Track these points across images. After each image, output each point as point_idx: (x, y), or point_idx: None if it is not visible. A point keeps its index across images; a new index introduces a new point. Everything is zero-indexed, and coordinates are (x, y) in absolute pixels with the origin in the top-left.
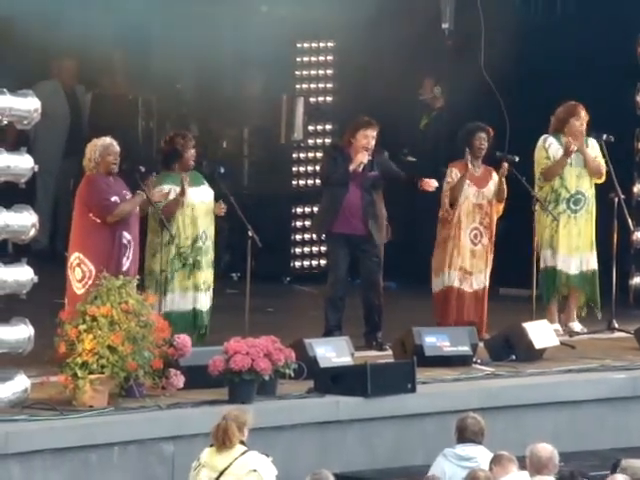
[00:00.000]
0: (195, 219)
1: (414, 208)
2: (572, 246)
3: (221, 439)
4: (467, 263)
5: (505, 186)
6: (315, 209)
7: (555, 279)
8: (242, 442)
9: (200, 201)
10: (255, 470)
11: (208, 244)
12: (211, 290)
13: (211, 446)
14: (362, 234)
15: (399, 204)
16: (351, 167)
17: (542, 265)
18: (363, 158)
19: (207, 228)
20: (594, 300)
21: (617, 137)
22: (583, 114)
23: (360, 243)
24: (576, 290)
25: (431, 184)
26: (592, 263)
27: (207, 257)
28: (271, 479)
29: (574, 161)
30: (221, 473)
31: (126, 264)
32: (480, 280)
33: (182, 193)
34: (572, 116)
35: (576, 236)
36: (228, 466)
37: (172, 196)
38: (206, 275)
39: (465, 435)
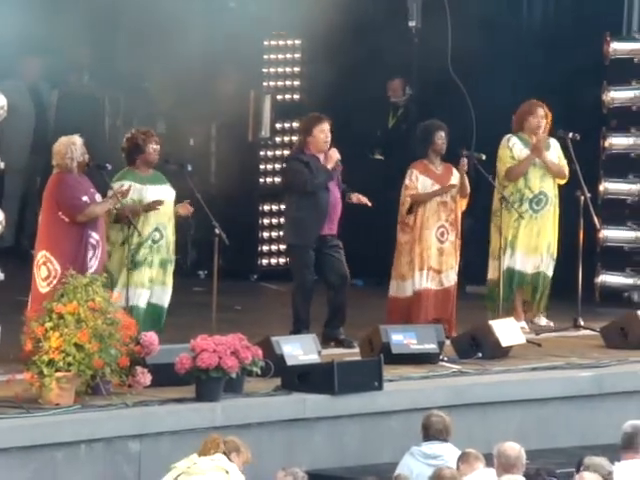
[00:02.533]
0: (148, 217)
1: (381, 205)
2: (531, 246)
3: (203, 447)
4: (435, 261)
5: (467, 181)
6: (282, 207)
7: (513, 280)
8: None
9: (157, 199)
10: (227, 471)
11: (162, 243)
12: (165, 289)
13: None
14: (334, 233)
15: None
16: (330, 166)
17: (504, 266)
18: (336, 155)
19: (164, 227)
20: (540, 300)
21: (583, 135)
22: (541, 112)
23: (330, 240)
24: (529, 289)
25: (361, 199)
26: (547, 265)
27: (159, 256)
28: None
29: (538, 161)
30: (195, 463)
31: (94, 264)
32: (450, 277)
33: (146, 209)
34: (530, 114)
35: (535, 236)
36: (202, 460)
37: (132, 192)
38: (157, 274)
39: (430, 433)
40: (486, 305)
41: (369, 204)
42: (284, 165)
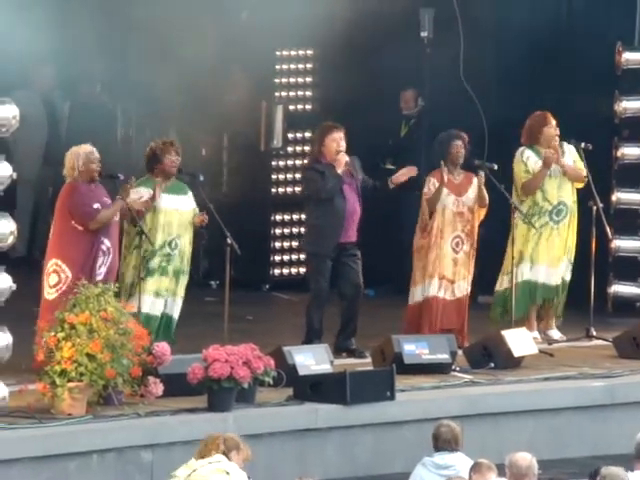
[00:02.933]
0: (165, 226)
1: (393, 216)
2: (554, 257)
3: (202, 447)
4: (449, 271)
5: (485, 192)
6: (295, 217)
7: (535, 293)
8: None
9: (175, 209)
10: (227, 473)
11: (176, 252)
12: (177, 299)
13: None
14: (353, 240)
15: (379, 211)
16: (339, 170)
17: (518, 279)
18: (344, 158)
19: (179, 237)
20: (557, 307)
21: (595, 145)
22: (554, 122)
23: (350, 249)
24: (552, 299)
25: (406, 172)
26: (564, 272)
27: (174, 265)
28: None
29: (553, 172)
30: (194, 470)
31: (103, 272)
32: (462, 288)
33: (153, 198)
34: (544, 125)
35: (558, 247)
36: (202, 466)
37: (145, 196)
38: (169, 283)
39: (440, 444)
40: (490, 316)
41: (415, 170)
42: (302, 174)
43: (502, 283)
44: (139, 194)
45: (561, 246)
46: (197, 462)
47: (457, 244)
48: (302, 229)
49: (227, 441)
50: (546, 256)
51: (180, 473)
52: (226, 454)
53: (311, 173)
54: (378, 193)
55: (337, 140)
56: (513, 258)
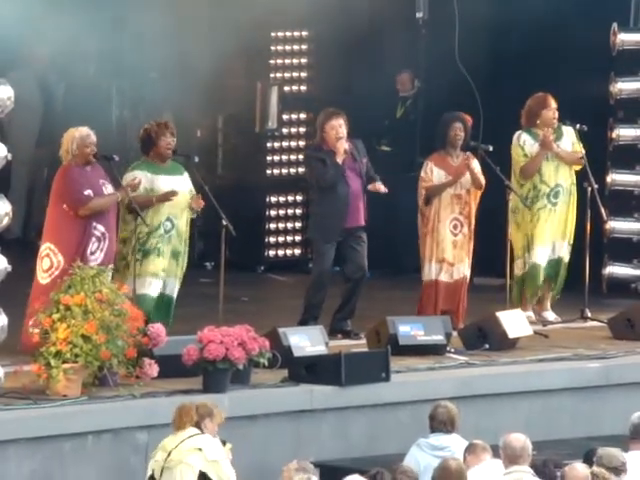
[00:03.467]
0: (161, 207)
1: (391, 198)
2: (548, 237)
3: (174, 418)
4: (449, 254)
5: (481, 174)
6: (290, 198)
7: (538, 275)
8: (199, 429)
9: (169, 189)
10: (200, 449)
11: (173, 233)
12: (175, 280)
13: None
14: (361, 224)
15: (374, 194)
16: (339, 159)
17: (525, 267)
18: (342, 146)
19: (175, 217)
20: (554, 287)
21: (590, 127)
22: (554, 104)
23: (355, 231)
24: (547, 280)
25: (378, 189)
26: (561, 251)
27: (170, 246)
28: (217, 459)
29: (550, 154)
30: (169, 453)
31: (99, 257)
32: (461, 270)
33: (160, 199)
34: (543, 108)
35: (554, 228)
36: (176, 446)
37: (142, 183)
38: (167, 264)
39: (436, 424)
40: (512, 301)
41: (383, 190)
42: (304, 160)
43: (518, 267)
44: (134, 178)
45: (554, 225)
46: (170, 443)
47: (455, 226)
48: (297, 211)
49: (199, 409)
50: (541, 237)
51: (159, 457)
52: (200, 423)
53: (312, 160)
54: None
55: (336, 127)
56: (512, 244)
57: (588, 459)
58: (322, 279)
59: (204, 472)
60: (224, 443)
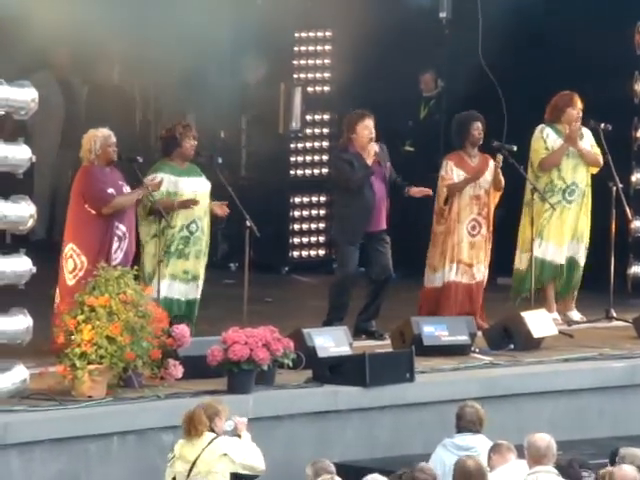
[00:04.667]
0: (184, 209)
1: (416, 199)
2: (563, 236)
3: (187, 427)
4: (466, 255)
5: (501, 176)
6: (314, 199)
7: (543, 271)
8: (212, 430)
9: (192, 191)
10: (225, 454)
11: (198, 235)
12: (199, 281)
13: (184, 438)
14: (383, 228)
15: (399, 194)
16: (369, 161)
17: (530, 261)
18: (373, 148)
19: (199, 219)
20: (569, 288)
21: (615, 126)
22: (579, 104)
23: (379, 235)
24: (558, 278)
25: (423, 192)
26: (577, 254)
27: (195, 247)
28: (244, 459)
29: (571, 152)
30: (194, 463)
31: (119, 256)
32: (481, 271)
33: (181, 206)
34: (569, 106)
35: (567, 226)
36: (198, 456)
37: (165, 184)
38: (192, 265)
39: (463, 424)
40: (510, 295)
41: (430, 193)
42: (331, 161)
43: (521, 261)
44: (154, 177)
45: (566, 226)
46: (189, 452)
47: (473, 227)
48: (321, 211)
49: (207, 411)
50: (555, 235)
51: (180, 467)
52: (211, 425)
53: (339, 162)
54: (395, 190)
55: (369, 127)
56: (532, 240)
57: (612, 460)
58: (346, 282)
59: (235, 473)
60: (238, 437)
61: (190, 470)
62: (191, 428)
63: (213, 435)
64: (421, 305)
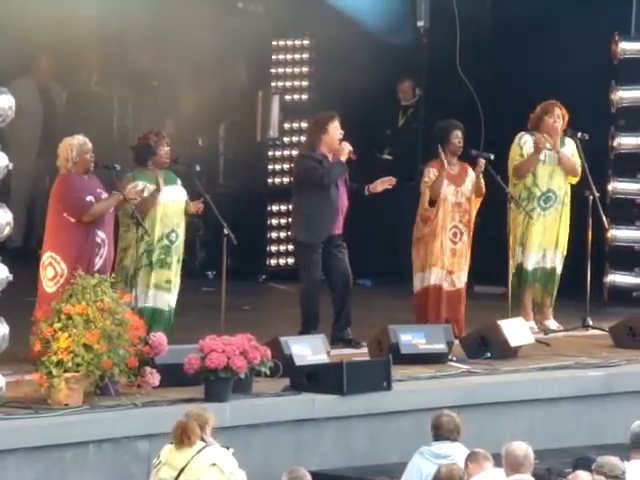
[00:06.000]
0: (165, 217)
1: (390, 205)
2: (537, 243)
3: (180, 437)
4: (448, 262)
5: (483, 182)
6: (291, 207)
7: (521, 277)
8: (202, 439)
9: (172, 200)
10: (214, 464)
11: (177, 244)
12: (176, 290)
13: (171, 443)
14: (340, 232)
15: (375, 201)
16: (343, 158)
17: (516, 263)
18: (348, 146)
19: (177, 227)
20: (549, 298)
21: (592, 135)
22: (558, 112)
23: (335, 240)
24: (533, 285)
25: (385, 182)
26: (553, 261)
27: (175, 257)
28: (232, 470)
29: (547, 159)
30: (181, 470)
31: (98, 263)
32: (462, 279)
33: (158, 189)
34: (546, 114)
35: (541, 233)
36: (187, 463)
37: (146, 193)
38: (171, 274)
39: (440, 433)
40: (513, 309)
41: (394, 181)
42: (296, 163)
43: (511, 269)
44: (136, 185)
45: (546, 234)
46: (177, 460)
47: (455, 234)
48: None
49: (197, 420)
50: (534, 242)
51: (166, 474)
52: (201, 433)
53: (308, 161)
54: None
55: (339, 128)
56: (509, 248)
57: (576, 468)
58: (315, 287)
59: None
60: (227, 448)
61: (177, 477)
62: (184, 438)
63: (203, 444)
64: (414, 312)
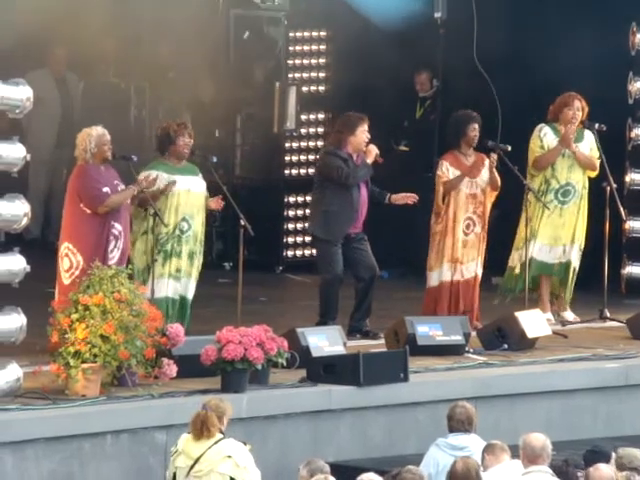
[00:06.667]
0: (177, 207)
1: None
2: (553, 236)
3: (199, 429)
4: (459, 253)
5: (497, 175)
6: (308, 199)
7: (533, 269)
8: (220, 431)
9: (186, 189)
10: (230, 456)
11: (189, 234)
12: (192, 280)
13: (189, 433)
14: (361, 230)
15: (392, 192)
16: (369, 160)
17: (521, 260)
18: (375, 150)
19: (191, 217)
20: (565, 292)
21: (609, 126)
22: (577, 104)
23: (355, 237)
24: (555, 280)
25: (407, 197)
26: (571, 256)
27: (187, 246)
28: (246, 465)
29: (567, 152)
30: (196, 460)
31: (116, 255)
32: (471, 269)
33: (162, 191)
34: (565, 106)
35: (560, 227)
36: (202, 453)
37: (160, 182)
38: (184, 264)
39: (454, 424)
40: (498, 292)
41: (416, 198)
42: (321, 158)
43: (513, 259)
44: (149, 174)
45: (565, 228)
46: (194, 450)
47: (468, 226)
48: None
49: (216, 411)
50: (545, 234)
51: (182, 463)
52: (220, 425)
53: (334, 158)
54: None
55: (366, 132)
56: (527, 240)
57: (587, 460)
58: (335, 282)
59: (233, 478)
60: (244, 444)
61: (192, 467)
62: (204, 430)
63: (220, 436)
64: (424, 306)
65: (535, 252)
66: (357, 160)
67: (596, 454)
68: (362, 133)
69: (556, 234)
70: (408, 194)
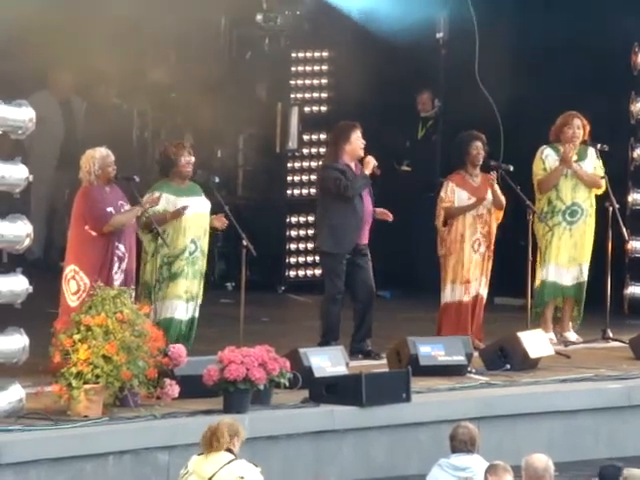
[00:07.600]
0: (185, 229)
1: (409, 217)
2: (567, 258)
3: (209, 439)
4: (470, 274)
5: (501, 194)
6: (310, 219)
7: (545, 291)
8: (231, 451)
9: (194, 212)
10: (242, 477)
11: (197, 255)
12: (197, 301)
13: (200, 454)
14: (365, 242)
15: (394, 213)
16: (367, 171)
17: (541, 277)
18: (373, 160)
19: (198, 239)
20: (579, 310)
21: (611, 146)
22: (577, 123)
23: (361, 250)
24: (571, 301)
25: (383, 214)
26: (585, 275)
27: (194, 267)
28: None
29: (570, 172)
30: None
31: (120, 277)
32: (474, 288)
33: (174, 215)
34: (565, 125)
35: (572, 248)
36: (215, 473)
37: (164, 202)
38: (191, 285)
39: (457, 444)
40: (533, 321)
41: (390, 219)
42: (320, 173)
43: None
44: (153, 193)
45: (575, 248)
46: (205, 469)
47: (474, 246)
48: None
49: (229, 428)
50: (557, 256)
51: None
52: (230, 444)
53: (332, 172)
54: None
55: (361, 137)
56: (535, 261)
57: (602, 477)
58: (337, 297)
59: None
60: (255, 465)
61: None
62: (213, 440)
63: (232, 456)
64: (437, 326)
65: (548, 275)
66: (356, 170)
67: (611, 471)
68: (357, 140)
69: (570, 255)
70: (386, 211)
